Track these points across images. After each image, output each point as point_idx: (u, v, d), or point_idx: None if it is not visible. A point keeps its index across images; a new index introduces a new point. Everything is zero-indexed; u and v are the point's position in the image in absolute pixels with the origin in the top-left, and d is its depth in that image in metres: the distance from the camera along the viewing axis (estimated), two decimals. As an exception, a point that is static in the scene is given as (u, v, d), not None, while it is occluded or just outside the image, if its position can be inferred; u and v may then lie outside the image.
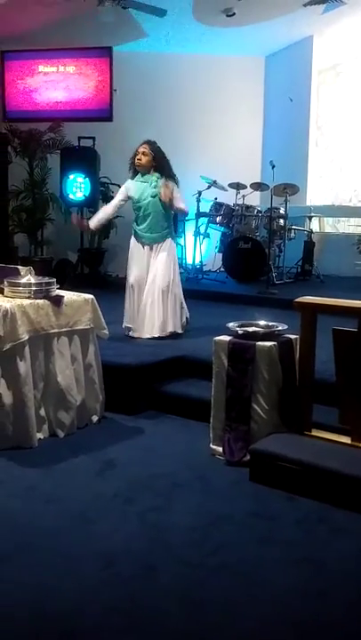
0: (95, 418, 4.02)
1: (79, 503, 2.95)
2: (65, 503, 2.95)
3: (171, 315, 5.19)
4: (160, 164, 5.24)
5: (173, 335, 5.20)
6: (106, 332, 4.09)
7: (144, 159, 5.21)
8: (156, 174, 5.23)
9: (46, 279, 3.87)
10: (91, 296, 4.00)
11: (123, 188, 5.36)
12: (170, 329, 5.18)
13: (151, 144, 5.25)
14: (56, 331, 3.75)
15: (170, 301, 5.19)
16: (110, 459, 3.47)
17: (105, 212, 5.50)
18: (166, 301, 5.17)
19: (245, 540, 2.65)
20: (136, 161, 5.24)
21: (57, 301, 3.77)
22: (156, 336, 5.11)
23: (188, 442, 3.75)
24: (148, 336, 5.13)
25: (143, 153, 5.20)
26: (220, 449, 3.51)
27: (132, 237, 5.37)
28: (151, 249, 5.26)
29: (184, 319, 5.35)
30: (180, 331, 5.27)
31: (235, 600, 2.23)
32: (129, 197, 5.28)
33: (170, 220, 5.36)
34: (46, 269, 8.20)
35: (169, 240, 5.32)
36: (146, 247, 5.27)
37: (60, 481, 3.19)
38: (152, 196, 5.20)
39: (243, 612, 2.17)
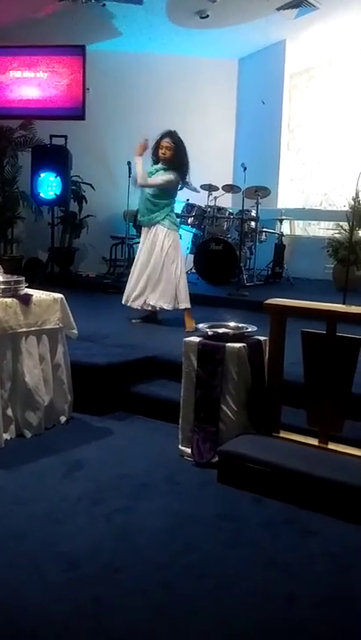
0: (63, 418, 3.99)
1: (46, 504, 2.91)
2: (31, 504, 2.91)
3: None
4: (171, 159, 5.56)
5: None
6: (75, 331, 4.06)
7: (168, 153, 5.52)
8: (162, 165, 5.56)
9: (15, 278, 3.82)
10: (60, 295, 3.97)
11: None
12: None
13: (173, 136, 5.54)
14: (24, 330, 3.71)
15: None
16: (78, 459, 3.44)
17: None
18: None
19: (213, 541, 2.64)
20: (161, 155, 5.52)
21: (25, 300, 3.72)
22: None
23: (157, 443, 3.73)
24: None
25: (167, 147, 5.51)
26: (189, 450, 3.51)
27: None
28: (148, 230, 5.71)
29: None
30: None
31: (201, 602, 2.23)
32: None
33: (159, 207, 5.63)
34: (16, 268, 8.14)
35: (158, 226, 5.65)
36: (144, 229, 5.75)
37: (26, 482, 3.15)
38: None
39: (209, 614, 2.16)
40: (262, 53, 10.20)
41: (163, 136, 5.57)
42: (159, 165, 5.60)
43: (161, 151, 5.54)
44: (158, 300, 5.61)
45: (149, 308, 5.73)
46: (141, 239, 5.80)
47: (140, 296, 5.67)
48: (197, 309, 5.72)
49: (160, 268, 5.61)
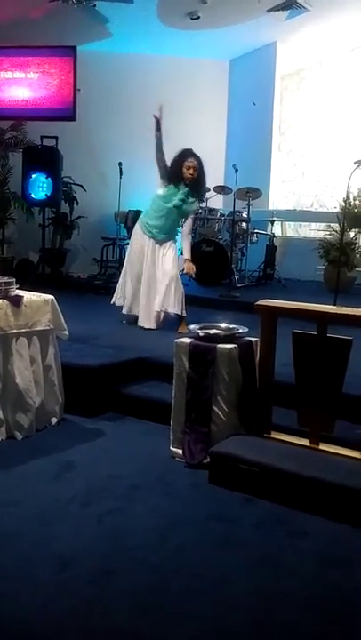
0: (54, 420, 3.98)
1: (37, 506, 2.91)
2: (22, 506, 2.90)
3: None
4: (197, 180, 5.54)
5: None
6: (66, 332, 4.05)
7: (196, 174, 5.51)
8: (187, 189, 5.52)
9: (5, 279, 3.82)
10: (51, 296, 3.96)
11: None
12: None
13: (195, 155, 5.52)
14: (15, 331, 3.70)
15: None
16: (69, 461, 3.43)
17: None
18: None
19: (204, 542, 2.65)
20: (189, 175, 5.48)
21: (16, 301, 3.72)
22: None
23: (149, 444, 3.73)
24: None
25: (194, 168, 5.49)
26: (180, 451, 3.51)
27: (137, 225, 5.72)
28: (157, 244, 5.62)
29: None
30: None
31: (193, 602, 2.23)
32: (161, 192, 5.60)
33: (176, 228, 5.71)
34: (7, 269, 8.12)
35: (171, 241, 5.69)
36: (151, 240, 5.61)
37: (17, 484, 3.14)
38: (175, 206, 5.52)
39: (201, 614, 2.16)
40: (253, 55, 10.22)
41: (185, 156, 5.48)
42: (185, 189, 5.51)
43: (189, 172, 5.45)
44: (170, 306, 5.54)
45: (162, 319, 5.67)
46: (144, 251, 5.62)
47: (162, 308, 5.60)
48: (189, 311, 5.71)
49: (172, 277, 5.57)
